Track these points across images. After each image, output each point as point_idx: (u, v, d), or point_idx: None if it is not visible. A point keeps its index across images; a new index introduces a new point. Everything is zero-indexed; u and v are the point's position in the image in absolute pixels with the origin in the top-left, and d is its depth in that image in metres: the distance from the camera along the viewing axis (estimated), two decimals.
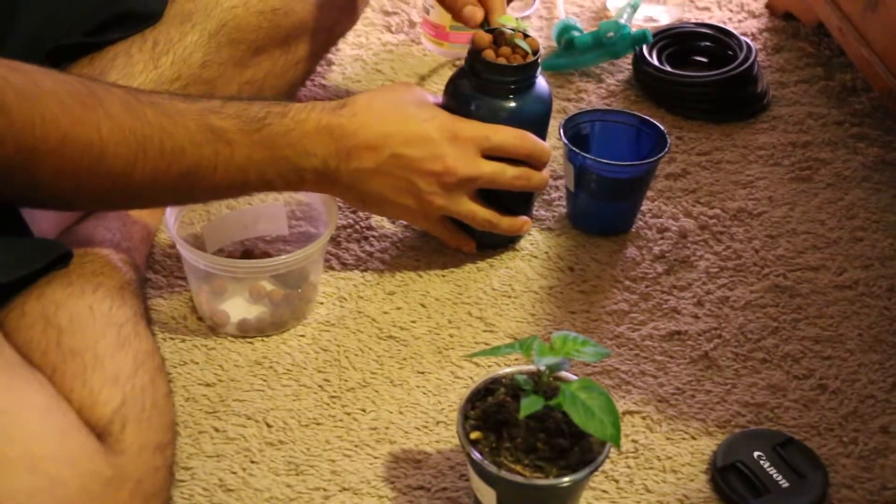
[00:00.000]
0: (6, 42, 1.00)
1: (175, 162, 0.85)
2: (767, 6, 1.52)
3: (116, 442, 0.75)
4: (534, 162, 1.02)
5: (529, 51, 1.01)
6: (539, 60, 1.02)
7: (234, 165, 0.88)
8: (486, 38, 1.01)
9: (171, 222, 0.97)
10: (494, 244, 1.09)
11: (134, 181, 0.83)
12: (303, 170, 0.93)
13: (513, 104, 1.01)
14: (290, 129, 0.92)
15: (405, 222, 1.11)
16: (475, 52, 1.01)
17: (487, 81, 1.01)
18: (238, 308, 1.00)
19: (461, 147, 0.98)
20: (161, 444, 0.79)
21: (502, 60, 1.00)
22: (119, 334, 0.83)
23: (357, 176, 0.96)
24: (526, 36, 1.02)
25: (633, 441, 0.91)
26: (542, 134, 1.04)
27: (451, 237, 1.06)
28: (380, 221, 1.12)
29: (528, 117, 1.02)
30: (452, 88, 1.04)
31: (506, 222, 1.05)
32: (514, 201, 1.06)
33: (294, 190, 0.98)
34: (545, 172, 1.05)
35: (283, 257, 0.96)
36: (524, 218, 1.07)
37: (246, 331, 0.99)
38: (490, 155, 1.00)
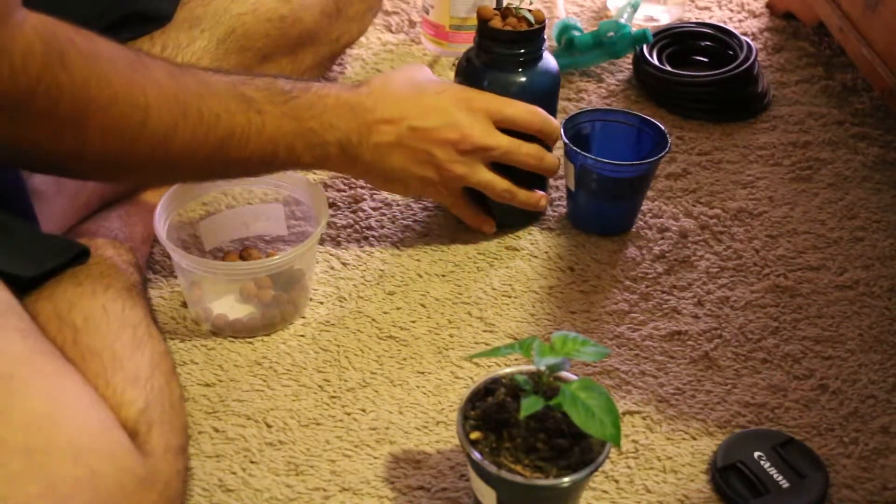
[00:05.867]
0: None
1: (211, 130, 0.86)
2: (768, 6, 1.52)
3: (144, 443, 0.75)
4: (544, 137, 1.05)
5: (533, 20, 1.04)
6: (545, 29, 1.04)
7: (265, 136, 0.90)
8: (491, 10, 1.05)
9: (160, 223, 0.97)
10: (514, 223, 1.10)
11: (173, 149, 0.85)
12: (328, 143, 0.95)
13: (522, 78, 1.04)
14: (313, 103, 0.94)
15: (429, 201, 1.12)
16: (482, 23, 1.04)
17: (496, 55, 1.04)
18: (227, 307, 1.00)
19: (475, 116, 1.01)
20: (181, 446, 0.79)
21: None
22: (134, 335, 0.83)
23: (378, 151, 0.98)
24: (530, 11, 1.05)
25: (634, 441, 0.91)
26: (551, 109, 1.07)
27: (473, 215, 1.08)
28: (380, 221, 1.12)
29: (537, 91, 1.05)
30: (464, 66, 1.07)
31: (523, 194, 1.07)
32: (529, 183, 1.08)
33: (319, 167, 0.99)
34: (554, 157, 1.07)
35: (265, 260, 0.96)
36: (541, 192, 1.09)
37: (238, 331, 0.98)
38: (503, 130, 1.02)
